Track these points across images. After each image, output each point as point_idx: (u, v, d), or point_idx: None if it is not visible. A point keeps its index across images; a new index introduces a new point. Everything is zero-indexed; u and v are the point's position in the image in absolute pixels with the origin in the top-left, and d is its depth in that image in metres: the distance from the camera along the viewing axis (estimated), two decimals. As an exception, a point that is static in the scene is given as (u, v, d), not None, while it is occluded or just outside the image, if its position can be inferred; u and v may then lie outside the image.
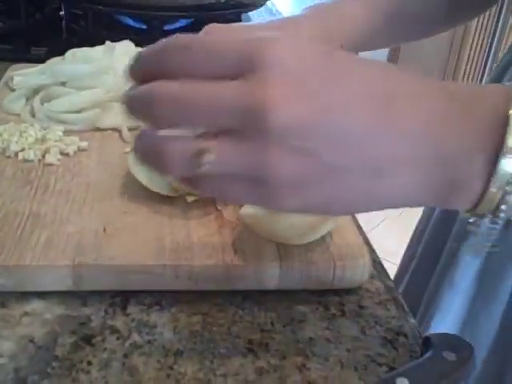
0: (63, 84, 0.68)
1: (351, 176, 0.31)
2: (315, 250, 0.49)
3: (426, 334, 0.44)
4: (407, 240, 0.83)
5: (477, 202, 0.33)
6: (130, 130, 0.64)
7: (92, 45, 0.82)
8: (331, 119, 0.30)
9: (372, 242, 0.57)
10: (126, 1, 0.86)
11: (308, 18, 0.55)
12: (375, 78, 0.32)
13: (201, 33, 0.45)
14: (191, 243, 0.49)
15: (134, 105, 0.32)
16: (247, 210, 0.50)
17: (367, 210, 0.34)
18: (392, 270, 0.65)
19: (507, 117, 0.31)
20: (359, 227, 0.58)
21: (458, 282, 0.64)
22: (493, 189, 0.31)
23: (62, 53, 0.80)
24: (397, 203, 0.34)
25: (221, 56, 0.30)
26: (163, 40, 0.31)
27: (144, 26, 0.97)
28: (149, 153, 0.32)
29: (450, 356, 0.41)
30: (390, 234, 2.18)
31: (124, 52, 0.72)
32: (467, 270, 0.64)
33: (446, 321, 0.65)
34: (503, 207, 0.32)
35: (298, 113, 0.29)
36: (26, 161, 0.58)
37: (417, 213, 0.73)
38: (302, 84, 0.30)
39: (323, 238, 0.49)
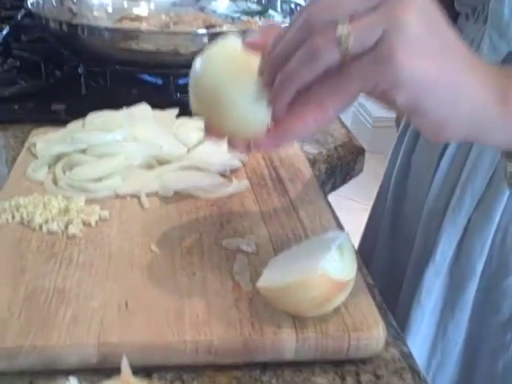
0: (84, 151, 0.70)
1: (451, 63, 0.41)
2: (330, 321, 0.50)
3: None
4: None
5: None
6: (148, 196, 0.67)
7: (110, 101, 0.85)
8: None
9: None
10: (143, 61, 0.89)
11: None
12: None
13: None
14: (210, 316, 0.51)
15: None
16: (264, 282, 0.51)
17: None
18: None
19: None
20: (373, 286, 0.60)
21: (424, 301, 0.68)
22: None
23: (81, 110, 0.83)
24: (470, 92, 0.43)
25: None
26: None
27: (160, 81, 1.00)
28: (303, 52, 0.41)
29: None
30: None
31: (142, 117, 0.75)
32: (432, 288, 0.67)
33: (418, 338, 0.68)
34: None
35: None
36: (50, 233, 0.61)
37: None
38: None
39: (337, 307, 0.51)
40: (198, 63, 0.49)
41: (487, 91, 0.43)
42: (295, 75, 0.41)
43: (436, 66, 0.40)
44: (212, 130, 0.49)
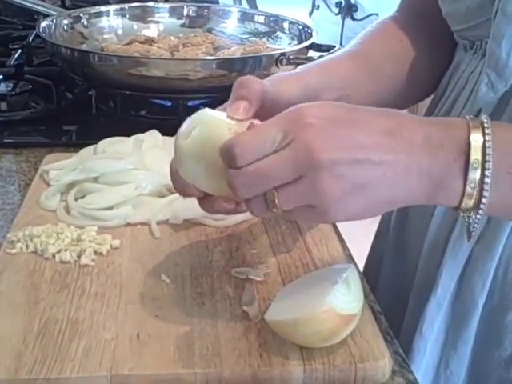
0: (95, 179, 0.72)
1: (377, 189, 0.47)
2: (337, 352, 0.51)
3: None
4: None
5: (460, 199, 0.48)
6: (158, 224, 0.68)
7: (120, 124, 0.86)
8: (355, 156, 0.46)
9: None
10: (153, 86, 0.91)
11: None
12: (379, 120, 0.48)
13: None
14: (219, 348, 0.52)
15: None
16: (272, 316, 0.52)
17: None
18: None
19: (468, 142, 0.47)
20: (379, 313, 0.61)
21: (426, 333, 0.68)
22: (468, 188, 0.47)
23: (91, 132, 0.87)
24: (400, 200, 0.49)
25: (268, 136, 0.46)
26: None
27: (169, 103, 1.01)
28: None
29: None
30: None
31: (152, 144, 0.76)
32: (433, 321, 0.68)
33: (421, 369, 0.69)
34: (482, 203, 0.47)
35: (334, 155, 0.45)
36: (62, 262, 0.62)
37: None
38: (331, 135, 0.46)
39: (344, 337, 0.52)
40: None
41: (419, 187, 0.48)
42: None
43: (364, 201, 0.47)
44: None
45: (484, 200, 0.47)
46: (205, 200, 0.55)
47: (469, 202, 0.47)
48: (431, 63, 0.71)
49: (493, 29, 0.57)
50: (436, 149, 0.47)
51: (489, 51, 0.58)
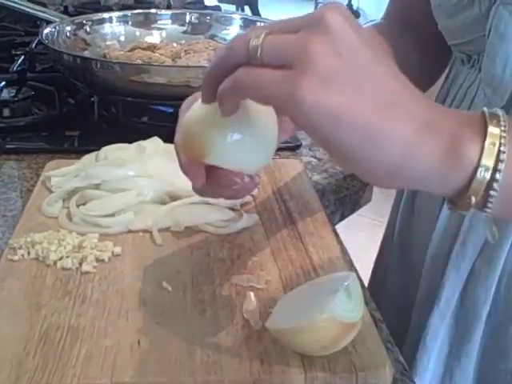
0: (97, 186, 0.72)
1: (366, 97, 0.38)
2: (338, 360, 0.51)
3: None
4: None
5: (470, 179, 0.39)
6: (159, 231, 0.68)
7: (121, 130, 0.87)
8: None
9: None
10: (155, 93, 0.91)
11: None
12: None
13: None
14: (220, 355, 0.52)
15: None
16: (273, 323, 0.52)
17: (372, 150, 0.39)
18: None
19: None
20: (380, 321, 0.61)
21: (430, 345, 0.68)
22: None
23: (93, 139, 0.88)
24: (399, 150, 0.39)
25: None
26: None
27: (171, 110, 1.01)
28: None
29: None
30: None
31: (154, 151, 0.76)
32: (437, 333, 0.68)
33: (425, 381, 0.69)
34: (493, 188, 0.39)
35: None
36: (64, 269, 0.62)
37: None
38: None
39: (345, 345, 0.52)
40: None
41: (424, 139, 0.38)
42: (211, 71, 0.44)
43: (346, 99, 0.37)
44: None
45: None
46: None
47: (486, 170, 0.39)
48: (419, 68, 0.71)
49: (487, 46, 0.58)
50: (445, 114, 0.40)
51: (484, 68, 0.58)
